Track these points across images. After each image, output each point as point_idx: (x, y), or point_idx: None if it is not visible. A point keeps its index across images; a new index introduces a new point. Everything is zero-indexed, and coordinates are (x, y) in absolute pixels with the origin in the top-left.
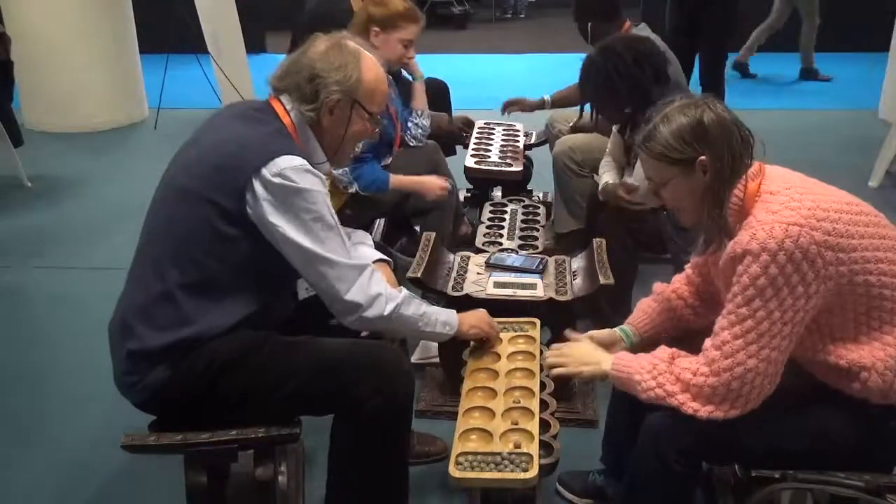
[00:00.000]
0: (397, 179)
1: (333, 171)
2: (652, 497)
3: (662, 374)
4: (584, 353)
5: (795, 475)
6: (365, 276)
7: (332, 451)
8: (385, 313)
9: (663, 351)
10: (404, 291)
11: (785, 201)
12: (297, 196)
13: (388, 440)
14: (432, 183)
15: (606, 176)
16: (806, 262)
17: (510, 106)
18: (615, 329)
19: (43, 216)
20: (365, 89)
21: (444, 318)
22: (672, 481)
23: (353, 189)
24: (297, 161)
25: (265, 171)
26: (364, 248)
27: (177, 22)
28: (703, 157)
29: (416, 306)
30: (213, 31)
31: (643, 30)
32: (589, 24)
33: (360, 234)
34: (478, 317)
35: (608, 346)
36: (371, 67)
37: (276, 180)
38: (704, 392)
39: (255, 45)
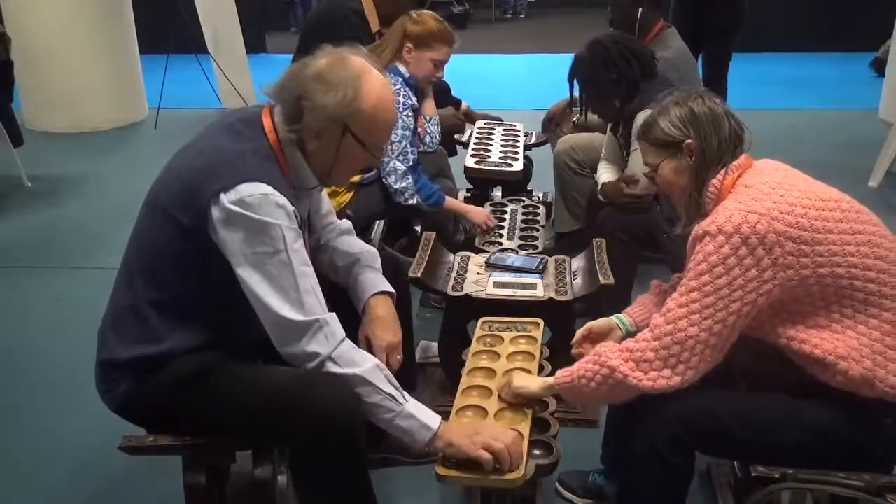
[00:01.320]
0: (450, 203)
1: (394, 184)
2: (647, 487)
3: (603, 355)
4: (527, 376)
5: (795, 475)
6: (307, 336)
7: (293, 483)
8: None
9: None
10: (356, 370)
11: (754, 193)
12: (252, 227)
13: (340, 477)
14: (480, 214)
15: (604, 176)
16: (762, 248)
17: (552, 121)
18: (612, 318)
19: (43, 216)
20: (362, 119)
21: (407, 427)
22: (665, 470)
23: (415, 201)
24: (262, 189)
25: (224, 197)
26: (366, 281)
27: (177, 22)
28: (689, 141)
29: (367, 391)
30: (213, 31)
31: (671, 33)
32: (640, 12)
33: (369, 257)
34: (469, 437)
35: (605, 334)
36: (372, 94)
37: (234, 208)
38: (646, 356)
39: (255, 45)
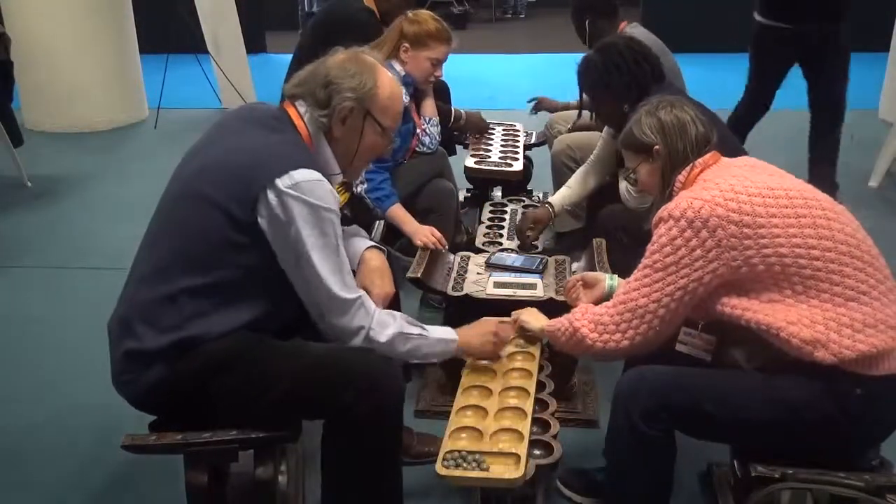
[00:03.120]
0: (397, 212)
1: None
2: (630, 463)
3: (576, 313)
4: (536, 315)
5: (795, 475)
6: (350, 313)
7: (324, 457)
8: (359, 344)
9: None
10: (391, 329)
11: (706, 185)
12: (307, 210)
13: (378, 446)
14: (424, 232)
15: (558, 196)
16: (706, 230)
17: (538, 105)
18: (605, 274)
19: (43, 216)
20: (380, 102)
21: (440, 351)
22: (642, 443)
23: (360, 189)
24: (314, 175)
25: (279, 183)
26: (357, 241)
27: (177, 22)
28: (657, 146)
29: (404, 342)
30: (213, 31)
31: (635, 28)
32: (587, 22)
33: (354, 228)
34: (480, 336)
35: (592, 285)
36: (387, 83)
37: (291, 191)
38: (603, 320)
39: (255, 45)
